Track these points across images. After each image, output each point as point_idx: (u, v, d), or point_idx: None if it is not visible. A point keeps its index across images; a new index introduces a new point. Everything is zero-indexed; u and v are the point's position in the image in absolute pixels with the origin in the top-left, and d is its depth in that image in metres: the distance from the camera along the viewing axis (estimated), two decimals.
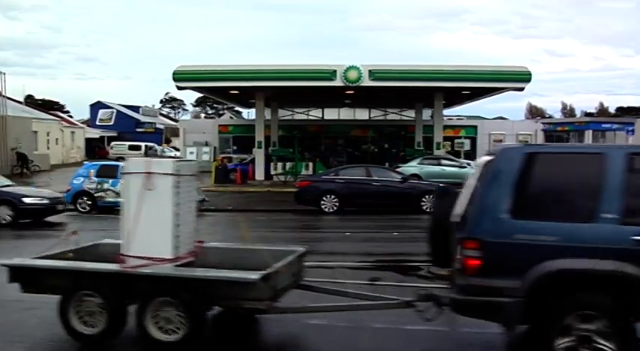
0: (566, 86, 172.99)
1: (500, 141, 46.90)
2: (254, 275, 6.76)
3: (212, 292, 6.98)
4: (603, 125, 57.13)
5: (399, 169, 26.79)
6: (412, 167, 30.30)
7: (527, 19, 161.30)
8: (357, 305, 7.57)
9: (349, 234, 17.05)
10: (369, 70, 29.41)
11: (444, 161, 32.40)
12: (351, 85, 29.81)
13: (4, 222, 17.99)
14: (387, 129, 47.14)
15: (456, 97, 36.85)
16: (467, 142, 42.20)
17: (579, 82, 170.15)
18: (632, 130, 43.91)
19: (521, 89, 30.71)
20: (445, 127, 39.90)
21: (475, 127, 48.53)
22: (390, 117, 49.80)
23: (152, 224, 7.16)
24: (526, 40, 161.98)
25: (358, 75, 29.28)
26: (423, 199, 20.88)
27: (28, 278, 7.51)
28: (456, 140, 42.84)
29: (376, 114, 50.68)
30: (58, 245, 8.29)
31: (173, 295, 6.90)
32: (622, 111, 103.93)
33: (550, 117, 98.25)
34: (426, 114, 42.92)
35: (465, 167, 32.76)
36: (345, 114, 51.56)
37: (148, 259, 7.11)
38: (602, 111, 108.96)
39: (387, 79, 29.97)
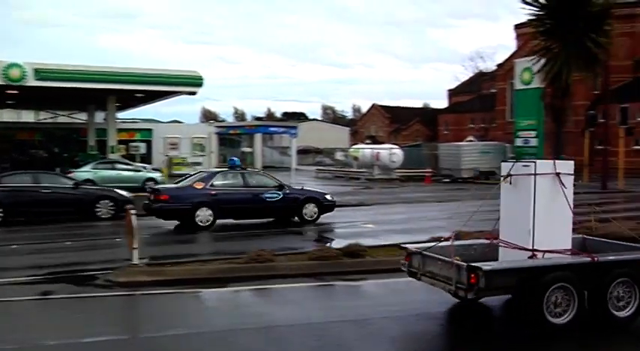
0: (238, 92, 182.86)
1: (176, 144, 47.64)
2: None
3: None
4: (271, 129, 61.85)
5: (71, 175, 25.63)
6: (85, 172, 29.09)
7: (201, 26, 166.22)
8: None
9: (16, 247, 15.73)
10: (35, 69, 27.33)
11: (119, 165, 31.80)
12: (13, 84, 27.46)
13: (309, 219, 18.92)
14: (57, 132, 44.70)
15: (130, 99, 36.38)
16: (142, 145, 42.05)
17: (250, 88, 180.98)
18: (296, 133, 48.14)
19: (194, 93, 31.52)
20: (120, 130, 39.17)
21: (150, 130, 48.50)
22: (61, 119, 47.43)
23: (558, 220, 8.30)
24: (200, 46, 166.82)
25: (22, 74, 27.02)
26: (98, 205, 20.39)
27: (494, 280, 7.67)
28: (131, 144, 42.37)
29: (45, 116, 48.00)
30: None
31: (628, 275, 8.09)
32: (287, 115, 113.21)
33: (223, 121, 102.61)
34: (100, 117, 41.71)
35: (141, 171, 32.56)
36: (9, 116, 48.24)
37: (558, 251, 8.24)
38: (270, 115, 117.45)
39: (55, 80, 28.16)
